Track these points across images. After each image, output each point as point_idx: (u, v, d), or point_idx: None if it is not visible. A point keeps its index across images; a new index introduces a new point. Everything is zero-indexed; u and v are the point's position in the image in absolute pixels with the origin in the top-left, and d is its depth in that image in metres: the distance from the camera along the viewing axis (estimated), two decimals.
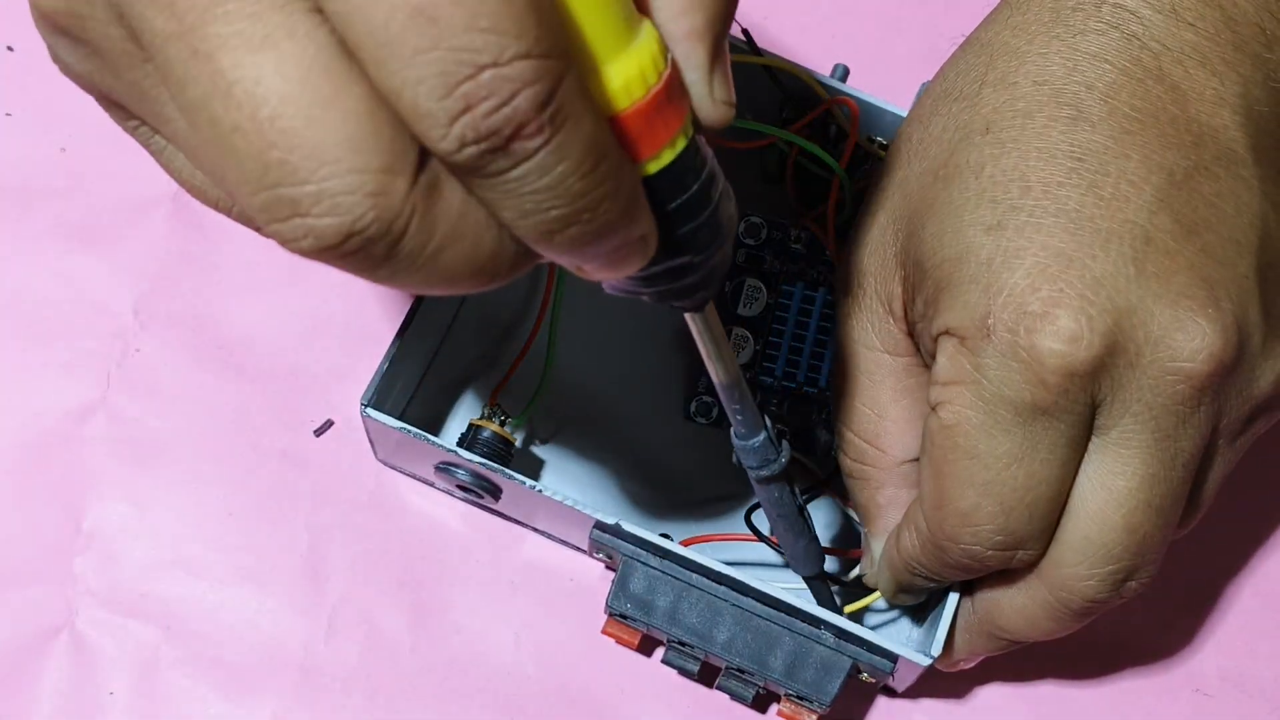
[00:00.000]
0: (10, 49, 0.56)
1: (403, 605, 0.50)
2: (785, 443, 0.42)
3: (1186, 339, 0.38)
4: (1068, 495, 0.40)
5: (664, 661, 0.48)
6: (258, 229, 0.28)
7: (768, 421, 0.41)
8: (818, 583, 0.46)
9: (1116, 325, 0.38)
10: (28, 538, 0.50)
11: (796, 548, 0.45)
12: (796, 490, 0.43)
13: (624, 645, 0.48)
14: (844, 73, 0.51)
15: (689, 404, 0.52)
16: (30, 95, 0.55)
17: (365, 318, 0.53)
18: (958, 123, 0.42)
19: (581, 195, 0.26)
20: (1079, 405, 0.39)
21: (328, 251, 0.26)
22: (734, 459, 0.42)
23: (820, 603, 0.46)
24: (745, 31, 0.51)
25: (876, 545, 0.46)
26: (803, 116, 0.50)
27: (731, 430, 0.41)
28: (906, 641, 0.49)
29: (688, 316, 0.36)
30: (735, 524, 0.50)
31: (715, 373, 0.38)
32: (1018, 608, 0.43)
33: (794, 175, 0.51)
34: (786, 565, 0.46)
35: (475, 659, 0.50)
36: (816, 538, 0.45)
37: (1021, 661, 0.51)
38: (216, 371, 0.52)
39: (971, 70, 0.42)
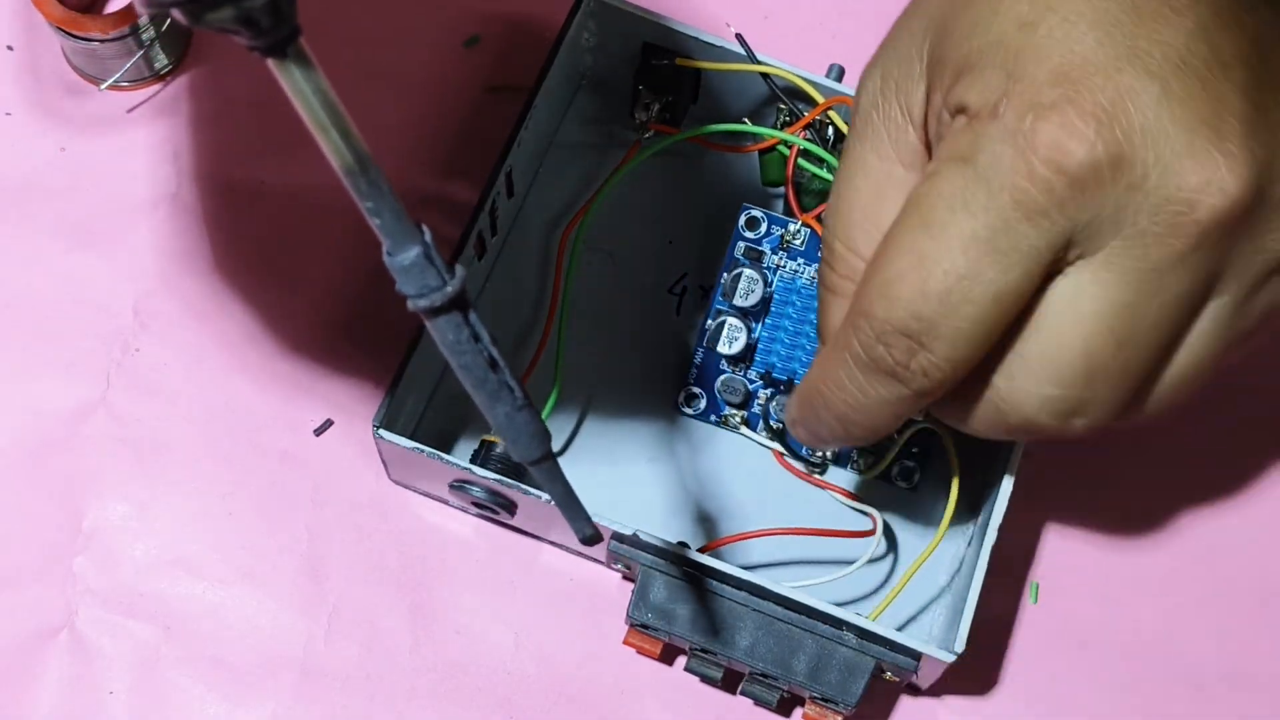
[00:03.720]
0: (10, 49, 0.56)
1: (403, 605, 0.50)
2: (459, 268, 0.33)
3: (1197, 169, 0.36)
4: (1008, 321, 0.38)
5: (686, 669, 0.48)
6: None
7: (425, 233, 0.33)
8: (543, 470, 0.37)
9: (1126, 138, 0.36)
10: (28, 538, 0.50)
11: (496, 416, 0.35)
12: (484, 333, 0.34)
13: (646, 655, 0.48)
14: (839, 73, 0.52)
15: (676, 395, 0.52)
16: (30, 95, 0.55)
17: (365, 317, 0.53)
18: None
19: None
20: (1059, 215, 0.36)
21: None
22: (396, 287, 0.33)
23: (555, 497, 0.38)
24: (739, 36, 0.51)
25: None
26: (800, 118, 0.50)
27: (384, 248, 0.33)
28: (929, 639, 0.49)
29: (272, 67, 0.30)
30: (752, 524, 0.50)
31: (328, 152, 0.31)
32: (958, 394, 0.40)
33: (793, 177, 0.51)
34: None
35: (475, 659, 0.50)
36: (529, 404, 0.35)
37: (1023, 662, 0.51)
38: (216, 371, 0.52)
39: None
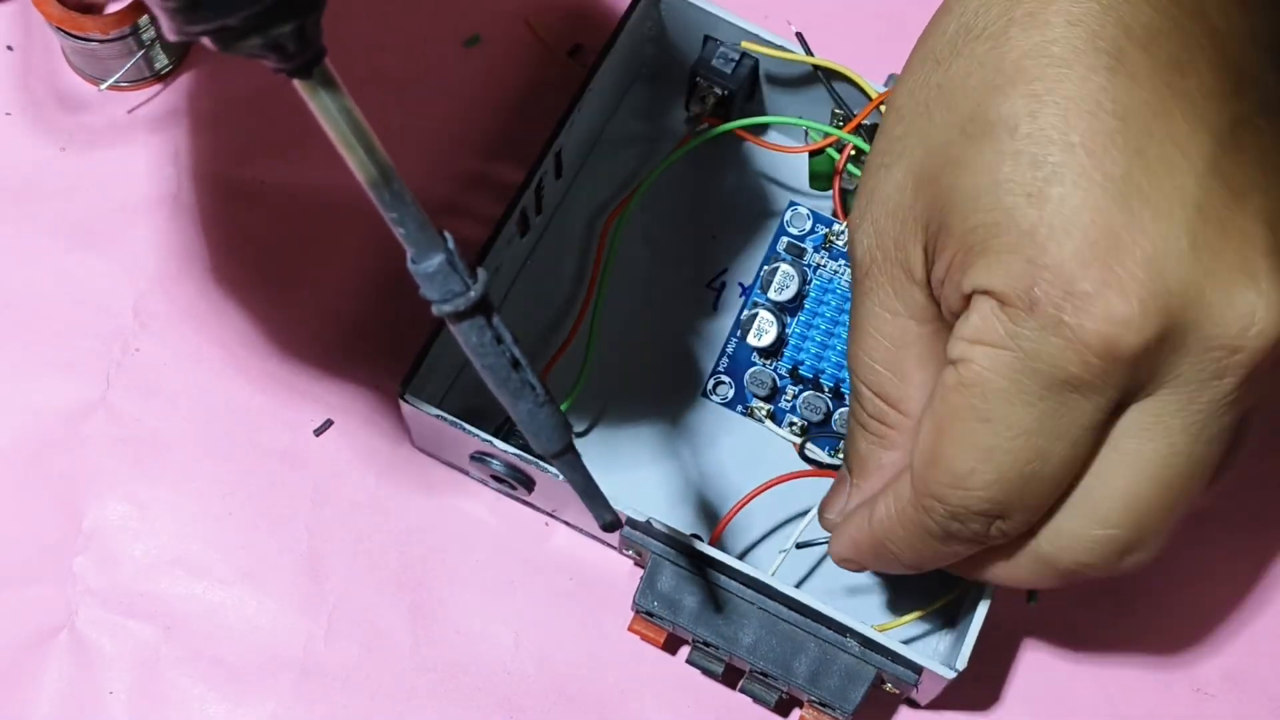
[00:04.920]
0: (10, 49, 0.56)
1: (403, 605, 0.50)
2: (482, 272, 0.34)
3: (1236, 316, 0.36)
4: (1079, 473, 0.39)
5: (688, 662, 0.48)
6: None
7: (448, 240, 0.34)
8: (564, 463, 0.38)
9: (1168, 308, 0.36)
10: (28, 538, 0.50)
11: (519, 412, 0.36)
12: (506, 334, 0.35)
13: (649, 643, 0.48)
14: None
15: (706, 381, 0.52)
16: (30, 95, 0.55)
17: (365, 317, 0.53)
18: (983, 66, 0.38)
19: None
20: (1114, 389, 0.37)
21: None
22: (420, 292, 0.35)
23: (577, 487, 0.39)
24: (799, 35, 0.51)
25: (856, 499, 0.44)
26: (854, 122, 0.50)
27: (408, 257, 0.34)
28: (932, 654, 0.49)
29: (298, 87, 0.31)
30: (769, 519, 0.50)
31: (354, 167, 0.32)
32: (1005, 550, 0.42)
33: (841, 183, 0.51)
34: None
35: (475, 659, 0.50)
36: (550, 400, 0.36)
37: (1025, 681, 0.51)
38: (216, 371, 0.52)
39: (995, 5, 0.39)
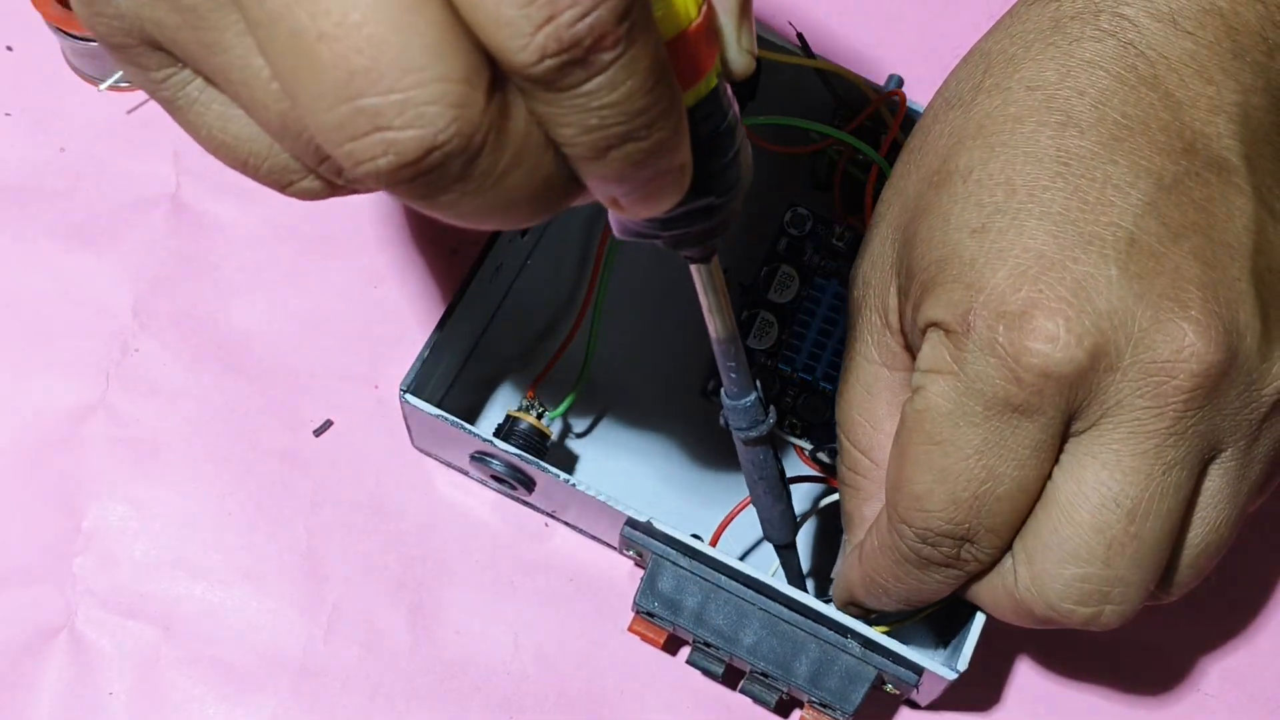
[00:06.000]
0: (10, 49, 0.56)
1: (403, 605, 0.50)
2: (772, 407, 0.42)
3: (1167, 340, 0.38)
4: (1037, 497, 0.40)
5: (688, 662, 0.48)
6: (285, 187, 0.29)
7: (758, 383, 0.41)
8: (789, 553, 0.47)
9: (1096, 328, 0.38)
10: (28, 538, 0.50)
11: (773, 513, 0.45)
12: (779, 455, 0.43)
13: (650, 644, 0.48)
14: (899, 83, 0.52)
15: (706, 381, 0.52)
16: (30, 95, 0.55)
17: (365, 318, 0.53)
18: (952, 128, 0.42)
19: (642, 112, 0.26)
20: (1053, 409, 0.38)
21: (405, 169, 0.25)
22: (721, 420, 0.42)
23: (789, 575, 0.47)
24: (800, 36, 0.51)
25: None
26: (854, 123, 0.50)
27: (722, 390, 0.41)
28: (933, 655, 0.49)
29: (693, 268, 0.36)
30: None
31: (714, 327, 0.38)
32: (988, 585, 0.42)
33: (841, 182, 0.51)
34: (765, 537, 0.47)
35: (475, 659, 0.50)
36: (792, 506, 0.45)
37: (1025, 683, 0.51)
38: (216, 372, 0.52)
39: (970, 78, 0.42)
